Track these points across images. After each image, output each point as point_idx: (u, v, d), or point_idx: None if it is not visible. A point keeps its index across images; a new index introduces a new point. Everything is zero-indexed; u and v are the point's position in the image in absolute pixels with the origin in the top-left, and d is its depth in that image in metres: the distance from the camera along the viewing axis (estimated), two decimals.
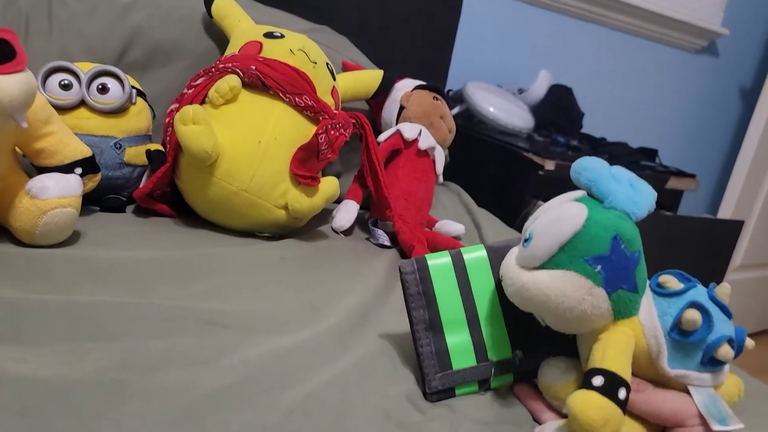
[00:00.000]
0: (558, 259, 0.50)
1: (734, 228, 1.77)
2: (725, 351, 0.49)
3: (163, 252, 0.73)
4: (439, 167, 1.10)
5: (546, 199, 1.49)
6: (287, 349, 0.58)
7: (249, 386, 0.51)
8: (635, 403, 0.51)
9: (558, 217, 0.51)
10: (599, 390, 0.46)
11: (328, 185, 0.87)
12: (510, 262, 0.55)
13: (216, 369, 0.52)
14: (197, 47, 1.04)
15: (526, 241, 0.53)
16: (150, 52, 1.00)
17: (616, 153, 1.76)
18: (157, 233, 0.80)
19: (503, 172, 1.55)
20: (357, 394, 0.54)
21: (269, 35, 0.96)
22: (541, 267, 0.51)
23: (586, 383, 0.47)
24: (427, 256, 0.60)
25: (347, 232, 0.97)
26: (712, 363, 0.50)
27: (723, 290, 0.52)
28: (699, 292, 0.52)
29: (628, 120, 2.31)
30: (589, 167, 0.53)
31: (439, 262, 0.59)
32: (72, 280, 0.61)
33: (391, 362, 0.60)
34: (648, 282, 0.54)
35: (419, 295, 0.58)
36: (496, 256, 0.59)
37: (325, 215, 0.97)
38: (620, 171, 0.54)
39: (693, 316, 0.48)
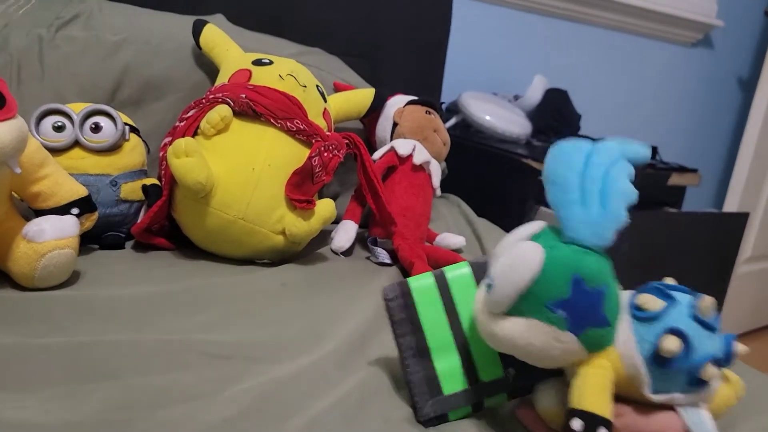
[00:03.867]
0: (520, 307, 0.48)
1: (740, 221, 1.75)
2: (710, 372, 0.47)
3: (162, 286, 0.73)
4: (436, 181, 1.10)
5: (548, 205, 1.50)
6: (288, 376, 0.58)
7: (251, 417, 0.51)
8: (617, 431, 0.49)
9: (514, 262, 0.48)
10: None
11: (325, 207, 0.87)
12: (478, 306, 0.53)
13: (218, 401, 0.52)
14: (188, 80, 1.05)
15: (489, 286, 0.50)
16: (142, 88, 1.01)
17: None
18: (157, 267, 0.80)
19: (503, 181, 1.55)
20: (359, 418, 0.54)
21: (258, 62, 0.97)
22: (507, 314, 0.49)
23: (566, 428, 0.46)
24: (409, 279, 0.58)
25: (347, 253, 0.97)
26: (698, 383, 0.48)
27: (705, 304, 0.49)
28: (679, 312, 0.49)
29: (627, 118, 2.31)
30: (557, 181, 0.50)
31: (422, 284, 0.58)
32: (72, 320, 0.62)
33: (392, 384, 0.60)
34: (628, 299, 0.52)
35: (405, 322, 0.57)
36: (481, 271, 0.58)
37: (323, 237, 0.97)
38: (595, 172, 0.50)
39: (670, 345, 0.46)
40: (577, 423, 0.45)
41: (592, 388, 0.47)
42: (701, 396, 0.49)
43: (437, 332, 0.57)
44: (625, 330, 0.49)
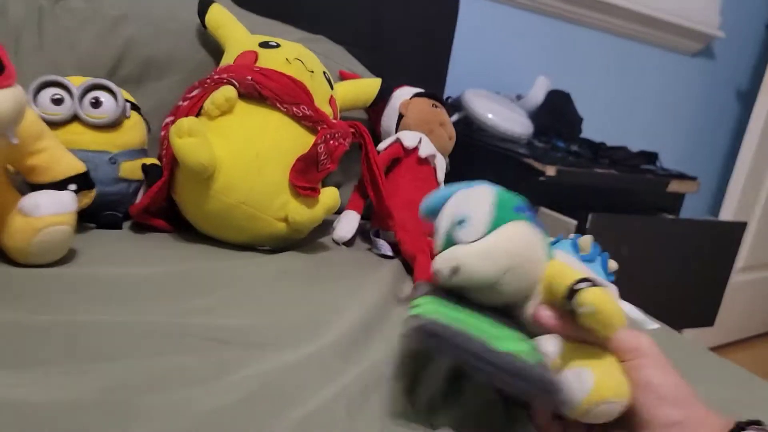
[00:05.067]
0: (498, 217, 0.52)
1: (737, 229, 1.75)
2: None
3: (161, 268, 0.71)
4: (440, 175, 1.08)
5: (548, 205, 1.49)
6: (290, 364, 0.56)
7: (252, 404, 0.49)
8: None
9: (475, 192, 0.55)
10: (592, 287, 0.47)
11: (328, 196, 0.85)
12: (457, 250, 0.52)
13: (218, 387, 0.50)
14: (191, 59, 1.03)
15: (460, 224, 0.53)
16: (143, 66, 0.98)
17: (616, 157, 1.74)
18: (155, 249, 0.78)
19: (504, 179, 1.53)
20: (361, 409, 0.52)
21: (265, 45, 0.95)
22: (489, 233, 0.52)
23: (572, 294, 0.47)
24: (413, 315, 0.51)
25: (348, 243, 0.96)
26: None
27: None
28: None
29: (627, 124, 2.30)
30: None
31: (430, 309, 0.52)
32: (68, 299, 0.60)
33: None
34: None
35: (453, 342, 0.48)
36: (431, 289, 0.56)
37: (325, 226, 0.95)
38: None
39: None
40: (585, 283, 0.47)
41: (568, 268, 0.51)
42: None
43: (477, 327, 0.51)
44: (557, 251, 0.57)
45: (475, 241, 0.52)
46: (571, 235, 0.63)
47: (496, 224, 0.52)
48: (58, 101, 0.79)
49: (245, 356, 0.55)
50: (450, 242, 0.54)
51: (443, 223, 0.56)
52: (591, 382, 0.45)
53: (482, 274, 0.52)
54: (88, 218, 0.80)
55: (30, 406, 0.43)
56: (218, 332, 0.59)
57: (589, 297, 0.46)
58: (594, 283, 0.47)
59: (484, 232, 0.52)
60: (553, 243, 0.58)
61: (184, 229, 0.85)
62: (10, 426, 0.41)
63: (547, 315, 0.51)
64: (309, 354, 0.59)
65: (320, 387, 0.54)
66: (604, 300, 0.45)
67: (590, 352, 0.48)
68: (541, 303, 0.52)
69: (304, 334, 0.62)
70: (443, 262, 0.53)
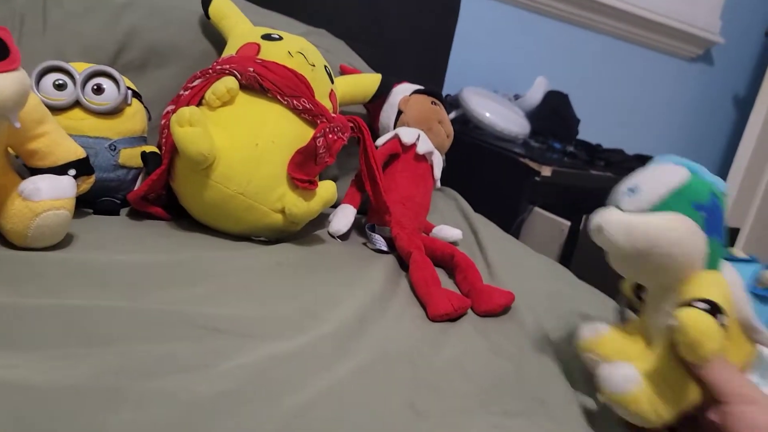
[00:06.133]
0: (668, 202, 0.53)
1: (730, 235, 1.77)
2: None
3: (157, 256, 0.71)
4: (437, 172, 1.09)
5: (543, 205, 1.50)
6: (285, 355, 0.57)
7: (246, 393, 0.50)
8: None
9: (666, 169, 0.55)
10: (705, 310, 0.48)
11: (326, 189, 0.86)
12: (614, 212, 0.56)
13: (212, 375, 0.51)
14: (194, 49, 1.03)
15: (631, 191, 0.55)
16: (146, 54, 0.99)
17: (612, 160, 1.76)
18: (152, 236, 0.78)
19: (499, 178, 1.55)
20: (356, 402, 0.53)
21: (267, 37, 0.95)
22: (650, 210, 0.54)
23: (688, 306, 0.49)
24: None
25: (344, 237, 0.96)
26: None
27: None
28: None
29: (624, 127, 2.32)
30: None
31: None
32: (65, 283, 0.60)
33: (390, 370, 0.59)
34: None
35: None
36: None
37: (321, 220, 0.96)
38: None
39: None
40: (701, 304, 0.48)
41: (710, 287, 0.51)
42: None
43: None
44: (727, 264, 0.56)
45: (631, 213, 0.54)
46: (760, 266, 0.62)
47: (661, 208, 0.53)
48: (60, 87, 0.79)
49: (238, 345, 0.56)
50: (615, 203, 0.57)
51: (623, 183, 0.58)
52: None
53: (616, 245, 0.55)
54: (86, 204, 0.80)
55: (25, 388, 0.43)
56: (212, 321, 0.59)
57: (683, 314, 0.48)
58: (716, 310, 0.48)
59: (645, 209, 0.54)
60: (735, 260, 0.57)
61: (181, 217, 0.86)
62: (5, 405, 0.41)
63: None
64: (302, 345, 0.59)
65: (313, 377, 0.54)
66: (697, 323, 0.47)
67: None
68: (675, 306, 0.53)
69: (298, 324, 0.63)
70: (595, 218, 0.57)
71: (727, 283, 0.53)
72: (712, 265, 0.54)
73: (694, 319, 0.47)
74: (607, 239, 0.55)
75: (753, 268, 0.56)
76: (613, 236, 0.54)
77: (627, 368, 0.53)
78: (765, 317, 0.55)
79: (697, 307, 0.48)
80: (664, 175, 0.54)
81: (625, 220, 0.54)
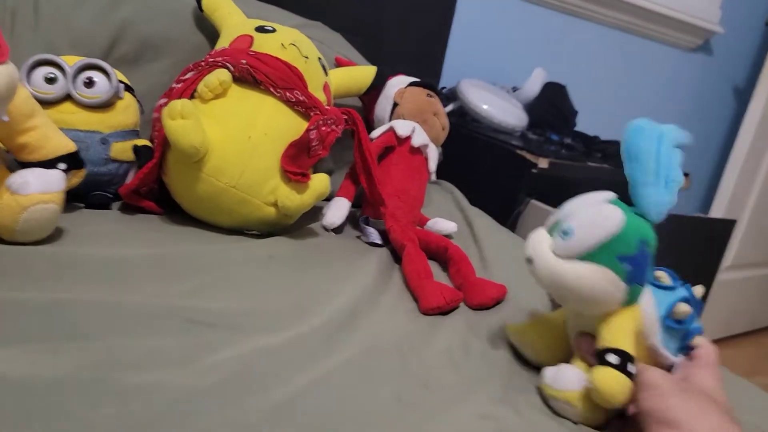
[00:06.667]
0: (594, 254, 0.55)
1: (727, 227, 1.77)
2: (696, 341, 0.59)
3: (148, 250, 0.71)
4: (432, 165, 1.08)
5: (539, 198, 1.49)
6: (273, 348, 0.57)
7: (232, 386, 0.50)
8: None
9: (602, 218, 0.56)
10: (616, 367, 0.53)
11: (319, 182, 0.85)
12: (544, 250, 0.59)
13: (198, 368, 0.51)
14: (187, 42, 1.02)
15: (565, 233, 0.57)
16: (139, 47, 0.98)
17: (609, 151, 1.75)
18: (143, 230, 0.78)
19: (496, 170, 1.54)
20: (344, 395, 0.53)
21: (261, 29, 0.95)
22: (577, 258, 0.56)
23: (602, 361, 0.54)
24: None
25: (338, 230, 0.96)
26: (684, 351, 0.60)
27: (698, 291, 0.61)
28: (686, 290, 0.60)
29: (622, 118, 2.29)
30: (639, 159, 0.57)
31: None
32: (52, 277, 0.60)
33: (379, 363, 0.59)
34: None
35: None
36: None
37: (315, 213, 0.95)
38: (665, 158, 0.57)
39: (685, 308, 0.57)
40: (613, 357, 0.54)
41: (623, 332, 0.56)
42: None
43: None
44: (648, 292, 0.59)
45: (559, 258, 0.57)
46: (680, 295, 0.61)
47: (588, 258, 0.56)
48: (51, 80, 0.79)
49: (228, 339, 0.56)
50: (552, 232, 0.60)
51: (565, 210, 0.60)
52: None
53: (540, 282, 0.60)
54: (77, 198, 0.80)
55: (8, 382, 0.43)
56: (202, 315, 0.59)
57: (596, 377, 0.54)
58: (626, 360, 0.54)
59: (573, 258, 0.56)
60: (659, 287, 0.59)
61: (173, 211, 0.85)
62: None
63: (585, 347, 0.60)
64: (292, 338, 0.59)
65: (303, 371, 0.54)
66: (609, 386, 0.53)
67: None
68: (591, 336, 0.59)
69: (289, 318, 0.63)
70: (530, 243, 0.61)
71: (640, 316, 0.57)
72: (631, 303, 0.57)
73: (607, 384, 0.53)
74: (533, 273, 0.60)
75: (674, 297, 0.58)
76: (538, 274, 0.60)
77: (572, 370, 0.58)
78: (674, 346, 0.59)
79: (608, 362, 0.53)
80: (597, 221, 0.56)
81: (552, 264, 0.58)
